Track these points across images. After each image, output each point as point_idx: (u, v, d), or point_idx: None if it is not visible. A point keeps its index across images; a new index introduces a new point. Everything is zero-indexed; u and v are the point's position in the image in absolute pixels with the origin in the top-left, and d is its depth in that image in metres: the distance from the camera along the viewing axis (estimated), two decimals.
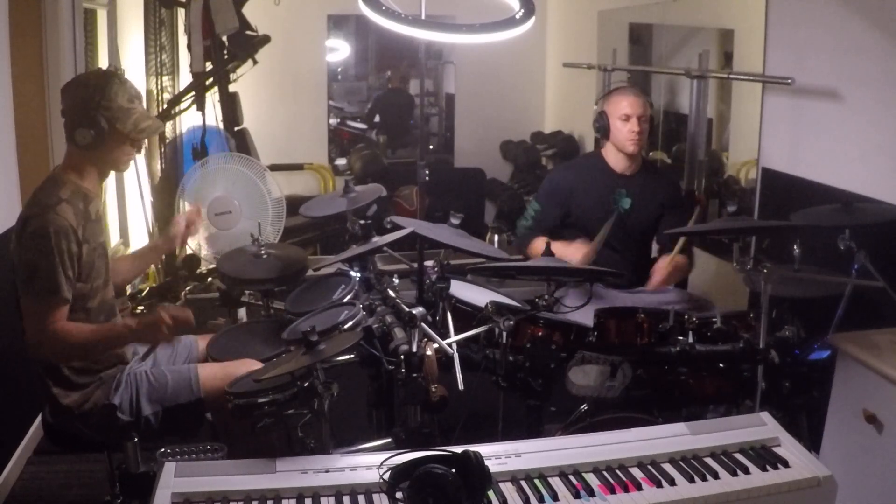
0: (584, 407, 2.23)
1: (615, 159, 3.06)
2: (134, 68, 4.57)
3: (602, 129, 3.03)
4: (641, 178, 3.07)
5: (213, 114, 4.23)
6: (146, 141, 4.24)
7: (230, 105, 4.23)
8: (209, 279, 4.02)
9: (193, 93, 4.18)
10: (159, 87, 4.60)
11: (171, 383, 2.21)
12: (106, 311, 2.24)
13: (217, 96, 4.20)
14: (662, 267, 2.93)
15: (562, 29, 6.01)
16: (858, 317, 2.47)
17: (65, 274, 2.04)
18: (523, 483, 1.60)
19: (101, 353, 2.19)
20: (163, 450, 1.75)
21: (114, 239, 4.44)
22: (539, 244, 2.88)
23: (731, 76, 3.61)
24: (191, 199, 3.71)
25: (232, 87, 4.24)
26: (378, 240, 2.45)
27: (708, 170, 3.68)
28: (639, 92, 3.08)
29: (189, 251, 3.79)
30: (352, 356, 2.25)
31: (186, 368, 2.26)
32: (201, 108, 4.17)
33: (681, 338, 2.21)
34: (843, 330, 2.43)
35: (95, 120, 2.08)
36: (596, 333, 2.26)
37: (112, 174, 2.60)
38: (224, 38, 4.09)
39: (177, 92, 4.56)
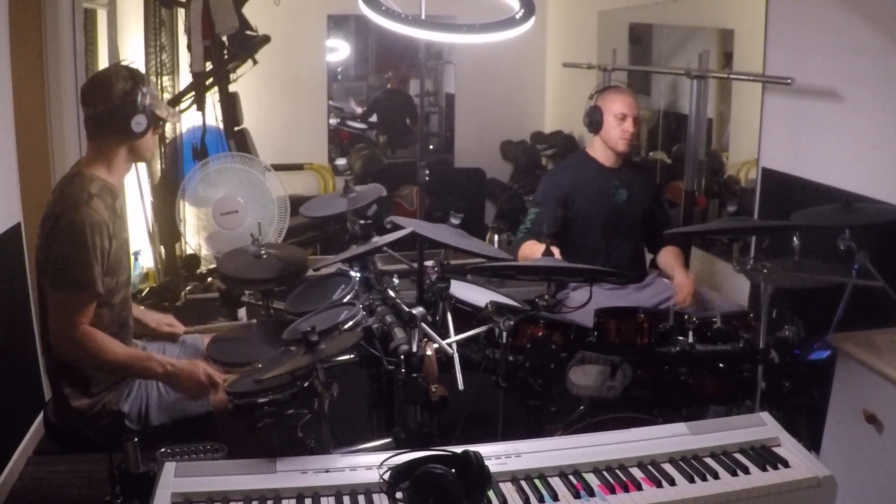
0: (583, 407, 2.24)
1: (604, 155, 3.10)
2: None
3: (594, 123, 3.04)
4: (628, 170, 3.16)
5: (213, 114, 4.23)
6: None
7: (230, 105, 4.23)
8: (209, 279, 4.02)
9: (193, 93, 4.18)
10: (159, 87, 4.59)
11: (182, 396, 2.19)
12: (127, 307, 2.24)
13: (217, 96, 4.20)
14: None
15: (562, 29, 6.01)
16: (858, 317, 2.47)
17: (97, 269, 2.03)
18: (523, 483, 1.60)
19: (122, 376, 2.17)
20: (163, 450, 1.75)
21: None
22: (528, 247, 2.91)
23: (731, 76, 3.62)
24: (191, 200, 3.72)
25: (232, 87, 4.24)
26: (378, 240, 2.45)
27: (708, 170, 3.69)
28: (633, 93, 3.16)
29: (189, 251, 3.79)
30: (352, 356, 2.25)
31: None
32: (201, 108, 4.17)
33: (681, 338, 2.21)
34: (843, 330, 2.43)
35: (145, 106, 2.11)
36: (596, 333, 2.26)
37: None
38: (224, 38, 4.09)
39: (177, 92, 4.55)
